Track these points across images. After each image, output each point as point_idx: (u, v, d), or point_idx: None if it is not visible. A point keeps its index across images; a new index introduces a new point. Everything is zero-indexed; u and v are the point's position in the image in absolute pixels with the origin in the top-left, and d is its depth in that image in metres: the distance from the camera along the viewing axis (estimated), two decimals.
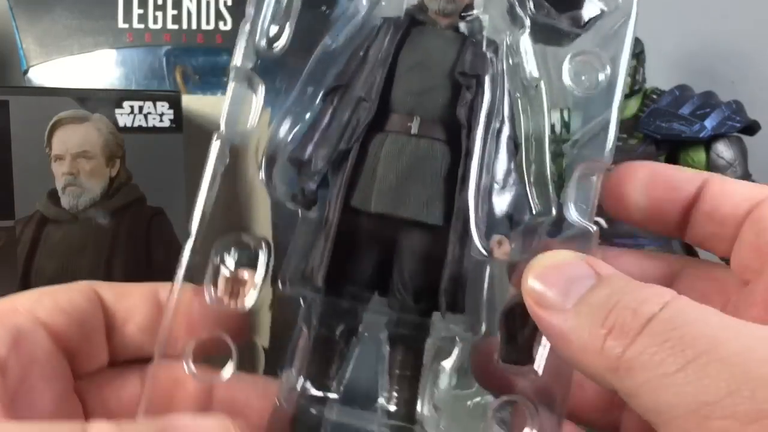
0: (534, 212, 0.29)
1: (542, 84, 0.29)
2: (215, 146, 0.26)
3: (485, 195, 0.27)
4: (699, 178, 0.27)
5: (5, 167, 0.39)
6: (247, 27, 0.27)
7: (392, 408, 0.27)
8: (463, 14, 0.29)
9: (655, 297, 0.20)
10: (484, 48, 0.28)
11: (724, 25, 0.78)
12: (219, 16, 0.61)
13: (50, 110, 0.41)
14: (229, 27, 0.61)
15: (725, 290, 0.26)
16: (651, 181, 0.27)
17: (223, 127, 0.27)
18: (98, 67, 0.60)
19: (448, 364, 0.29)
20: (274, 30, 0.28)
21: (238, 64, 0.27)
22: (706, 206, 0.26)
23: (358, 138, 0.27)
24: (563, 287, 0.21)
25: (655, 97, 0.64)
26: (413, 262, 0.27)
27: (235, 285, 0.26)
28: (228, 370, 0.25)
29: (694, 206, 0.27)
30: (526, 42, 0.29)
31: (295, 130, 0.29)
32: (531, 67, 0.29)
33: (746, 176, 0.60)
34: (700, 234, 0.27)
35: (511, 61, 0.29)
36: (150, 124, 0.43)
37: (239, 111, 0.27)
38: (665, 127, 0.60)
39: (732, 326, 0.20)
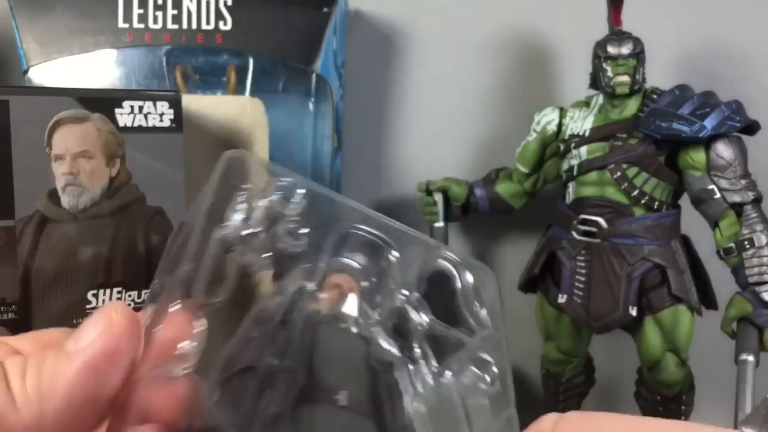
0: None
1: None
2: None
3: None
4: None
5: (5, 167, 0.39)
6: None
7: None
8: None
9: None
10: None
11: (724, 25, 0.78)
12: (219, 16, 0.62)
13: (50, 110, 0.41)
14: (229, 27, 0.62)
15: None
16: None
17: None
18: (98, 67, 0.60)
19: None
20: None
21: None
22: None
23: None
24: None
25: (654, 96, 0.64)
26: None
27: None
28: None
29: None
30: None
31: None
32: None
33: (746, 176, 0.60)
34: None
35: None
36: (150, 124, 0.43)
37: None
38: (665, 126, 0.60)
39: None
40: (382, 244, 0.28)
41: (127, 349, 0.23)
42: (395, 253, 0.28)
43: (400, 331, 0.27)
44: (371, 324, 0.27)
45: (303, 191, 0.26)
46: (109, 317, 0.23)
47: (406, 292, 0.27)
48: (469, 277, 0.28)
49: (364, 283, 0.28)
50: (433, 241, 0.29)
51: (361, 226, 0.28)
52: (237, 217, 0.25)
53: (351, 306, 0.27)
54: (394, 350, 0.26)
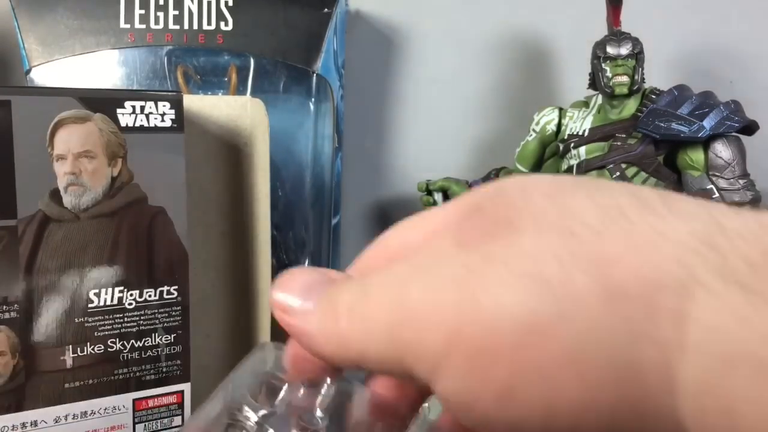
0: None
1: None
2: None
3: None
4: None
5: (8, 167, 0.40)
6: None
7: None
8: None
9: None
10: None
11: (724, 25, 0.78)
12: (220, 16, 0.62)
13: (52, 110, 0.41)
14: (230, 27, 0.62)
15: None
16: None
17: None
18: (100, 68, 0.60)
19: None
20: None
21: None
22: None
23: None
24: (303, 292, 0.21)
25: (653, 96, 0.64)
26: None
27: None
28: None
29: None
30: None
31: None
32: None
33: (744, 176, 0.61)
34: None
35: None
36: (151, 124, 0.44)
37: None
38: (664, 126, 0.60)
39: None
40: None
41: None
42: None
43: None
44: None
45: (331, 385, 0.25)
46: None
47: None
48: None
49: None
50: None
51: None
52: (256, 406, 0.25)
53: None
54: None
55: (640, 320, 0.15)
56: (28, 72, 0.58)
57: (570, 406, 0.16)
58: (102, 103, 0.42)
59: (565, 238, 0.16)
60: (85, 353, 0.42)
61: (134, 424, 0.44)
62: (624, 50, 0.63)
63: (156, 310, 0.44)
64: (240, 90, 0.63)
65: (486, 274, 0.16)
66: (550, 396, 0.16)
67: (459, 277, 0.17)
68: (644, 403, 0.15)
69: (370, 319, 0.18)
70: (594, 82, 0.66)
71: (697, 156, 0.61)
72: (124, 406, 0.44)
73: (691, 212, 0.16)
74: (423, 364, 0.17)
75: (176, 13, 0.61)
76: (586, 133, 0.65)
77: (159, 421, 0.45)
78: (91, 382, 0.43)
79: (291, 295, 0.21)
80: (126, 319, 0.44)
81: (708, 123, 0.59)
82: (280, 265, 0.63)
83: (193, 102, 0.49)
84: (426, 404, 0.24)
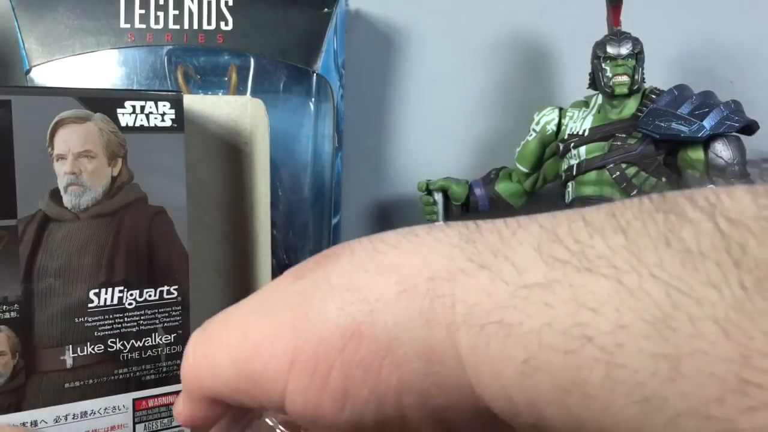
0: None
1: None
2: None
3: None
4: None
5: (7, 167, 0.40)
6: None
7: None
8: None
9: None
10: None
11: (724, 25, 0.78)
12: (220, 16, 0.62)
13: (52, 110, 0.41)
14: (230, 27, 0.62)
15: None
16: None
17: None
18: (100, 67, 0.60)
19: None
20: None
21: None
22: None
23: None
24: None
25: (654, 96, 0.64)
26: None
27: None
28: None
29: None
30: None
31: None
32: None
33: (745, 176, 0.61)
34: None
35: None
36: (152, 124, 0.44)
37: None
38: (664, 126, 0.60)
39: None
40: None
41: None
42: None
43: None
44: None
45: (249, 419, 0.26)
46: None
47: None
48: None
49: None
50: None
51: None
52: None
53: None
54: None
55: (428, 308, 0.18)
56: (28, 72, 0.58)
57: (394, 394, 0.18)
58: (102, 102, 0.42)
59: (371, 254, 0.20)
60: (85, 353, 0.42)
61: (134, 424, 0.44)
62: (624, 50, 0.63)
63: (156, 310, 0.44)
64: (240, 90, 0.63)
65: (315, 295, 0.19)
66: (377, 389, 0.18)
67: (294, 303, 0.19)
68: (447, 380, 0.17)
69: (214, 357, 0.21)
70: (594, 82, 0.66)
71: (697, 156, 0.61)
72: (124, 406, 0.44)
73: (467, 224, 0.20)
74: (272, 389, 0.19)
75: (176, 12, 0.61)
76: (586, 133, 0.65)
77: (159, 421, 0.45)
78: (91, 382, 0.43)
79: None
80: (126, 319, 0.43)
81: (708, 123, 0.59)
82: (280, 265, 0.63)
83: (193, 102, 0.49)
84: None
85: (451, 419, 0.18)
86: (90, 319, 0.42)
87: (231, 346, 0.20)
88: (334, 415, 0.19)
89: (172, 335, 0.45)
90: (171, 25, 0.61)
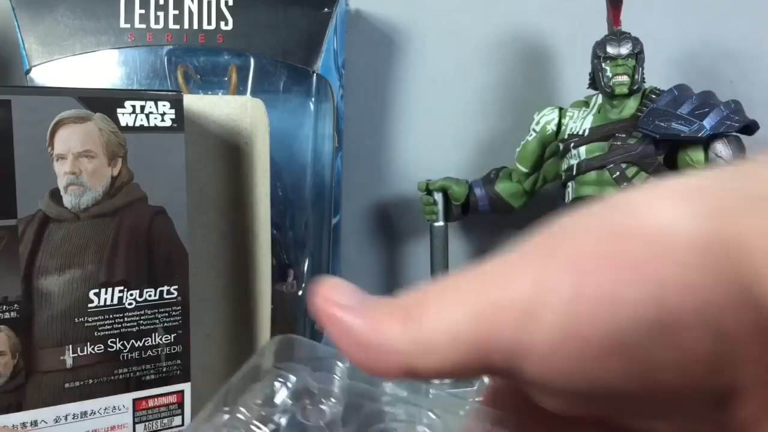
0: None
1: None
2: None
3: None
4: None
5: (8, 166, 0.40)
6: None
7: None
8: None
9: None
10: None
11: (724, 25, 0.78)
12: (220, 16, 0.62)
13: (52, 110, 0.41)
14: (230, 27, 0.62)
15: None
16: None
17: None
18: (100, 67, 0.60)
19: None
20: None
21: None
22: None
23: None
24: (358, 294, 0.21)
25: (654, 96, 0.64)
26: None
27: None
28: None
29: None
30: None
31: None
32: None
33: None
34: None
35: None
36: (152, 124, 0.44)
37: None
38: (664, 126, 0.60)
39: None
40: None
41: None
42: None
43: None
44: None
45: (342, 367, 0.25)
46: None
47: None
48: None
49: None
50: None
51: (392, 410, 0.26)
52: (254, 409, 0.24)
53: None
54: None
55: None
56: (28, 72, 0.58)
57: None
58: (102, 102, 0.42)
59: None
60: (85, 353, 0.42)
61: (134, 424, 0.44)
62: (624, 50, 0.63)
63: (156, 310, 0.44)
64: (240, 90, 0.63)
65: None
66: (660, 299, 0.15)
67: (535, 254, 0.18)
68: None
69: (454, 315, 0.18)
70: (594, 82, 0.66)
71: (697, 156, 0.61)
72: (124, 406, 0.44)
73: None
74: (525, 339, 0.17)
75: (176, 12, 0.61)
76: (586, 133, 0.65)
77: (159, 420, 0.45)
78: (91, 382, 0.43)
79: (348, 294, 0.20)
80: (126, 318, 0.44)
81: (708, 123, 0.59)
82: (280, 265, 0.63)
83: (193, 102, 0.49)
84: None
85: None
86: (90, 319, 0.42)
87: (475, 302, 0.18)
88: (595, 369, 0.16)
89: (172, 335, 0.45)
90: (171, 25, 0.61)
